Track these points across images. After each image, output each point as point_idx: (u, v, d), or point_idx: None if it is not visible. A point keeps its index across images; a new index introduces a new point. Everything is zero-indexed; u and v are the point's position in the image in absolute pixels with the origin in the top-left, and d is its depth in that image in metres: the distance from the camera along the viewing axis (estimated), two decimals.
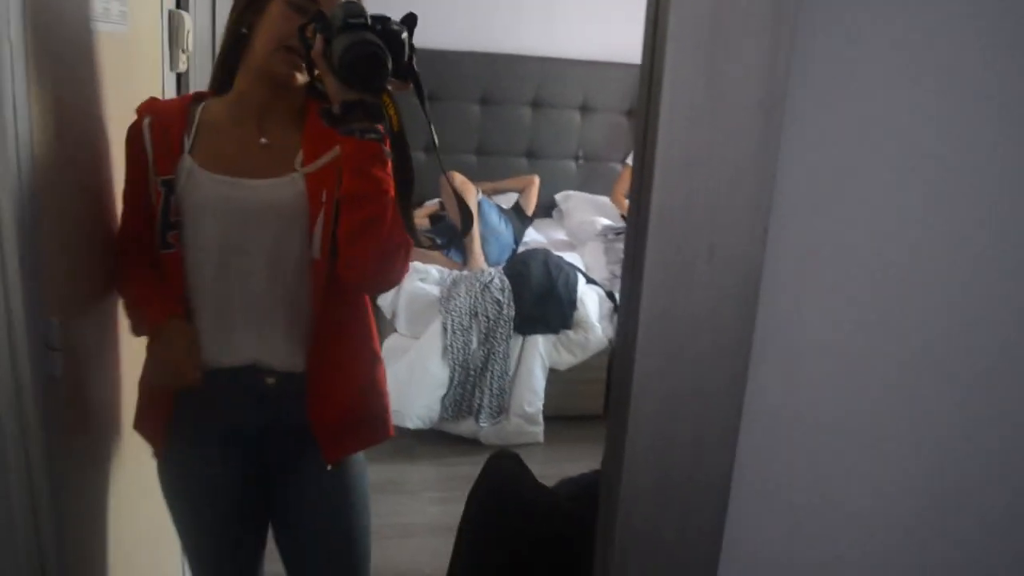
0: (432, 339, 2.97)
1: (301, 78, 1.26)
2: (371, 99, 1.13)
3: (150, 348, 1.31)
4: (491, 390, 3.00)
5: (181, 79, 1.85)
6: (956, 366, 0.80)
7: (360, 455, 1.44)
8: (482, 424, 3.01)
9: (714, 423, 0.74)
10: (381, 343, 1.50)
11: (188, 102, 1.34)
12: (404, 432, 2.97)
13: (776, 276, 0.73)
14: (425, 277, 3.19)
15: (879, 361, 0.78)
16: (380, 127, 1.17)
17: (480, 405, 3.00)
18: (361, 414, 1.41)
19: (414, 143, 1.19)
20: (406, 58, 1.15)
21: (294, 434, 1.35)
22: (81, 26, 1.28)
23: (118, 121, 1.37)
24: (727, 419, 0.74)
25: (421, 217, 3.58)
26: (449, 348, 2.96)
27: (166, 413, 1.33)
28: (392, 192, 1.20)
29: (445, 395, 2.98)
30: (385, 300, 3.13)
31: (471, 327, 3.00)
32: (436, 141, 1.22)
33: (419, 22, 1.16)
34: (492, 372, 3.00)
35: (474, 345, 2.99)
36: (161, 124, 1.29)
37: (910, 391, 0.80)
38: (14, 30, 0.97)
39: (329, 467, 1.36)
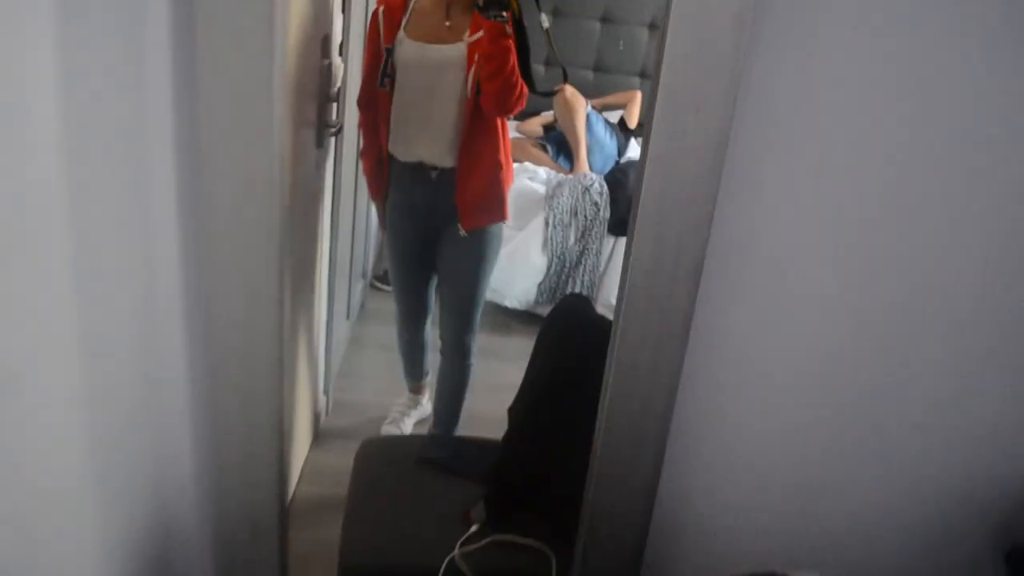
0: (535, 232, 3.37)
1: None
2: None
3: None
4: (582, 281, 3.39)
5: None
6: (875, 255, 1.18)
7: (495, 233, 2.25)
8: None
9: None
10: None
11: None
12: (503, 310, 3.41)
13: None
14: (533, 177, 3.56)
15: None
16: (507, 14, 1.87)
17: (572, 293, 3.40)
18: (487, 199, 2.19)
19: (535, 57, 1.94)
20: None
21: (447, 209, 2.18)
22: None
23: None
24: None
25: (536, 125, 3.94)
26: (549, 240, 3.36)
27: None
28: (514, 53, 1.92)
29: (542, 282, 3.39)
30: None
31: (570, 224, 3.37)
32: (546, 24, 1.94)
33: None
34: (585, 265, 3.38)
35: (571, 240, 3.37)
36: (390, 12, 2.10)
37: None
38: None
39: (464, 233, 2.19)
